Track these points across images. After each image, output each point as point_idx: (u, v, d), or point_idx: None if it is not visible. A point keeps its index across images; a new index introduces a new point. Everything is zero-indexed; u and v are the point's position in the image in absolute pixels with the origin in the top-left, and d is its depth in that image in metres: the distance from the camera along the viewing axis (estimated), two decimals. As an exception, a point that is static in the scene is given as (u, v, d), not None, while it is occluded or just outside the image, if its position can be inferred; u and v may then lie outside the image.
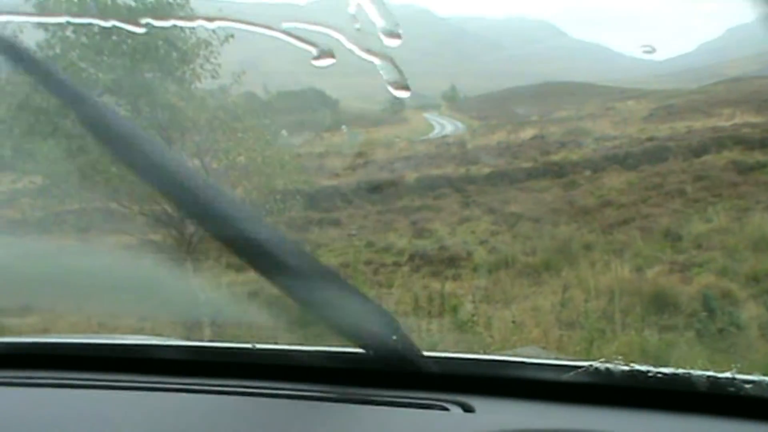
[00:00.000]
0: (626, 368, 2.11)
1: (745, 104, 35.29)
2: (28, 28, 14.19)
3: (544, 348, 9.80)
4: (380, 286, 15.70)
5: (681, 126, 34.62)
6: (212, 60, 15.45)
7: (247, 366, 2.44)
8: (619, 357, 2.20)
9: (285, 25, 1.84)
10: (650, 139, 31.06)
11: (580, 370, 2.14)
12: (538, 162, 29.69)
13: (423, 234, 21.75)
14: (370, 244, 20.61)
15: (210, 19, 2.34)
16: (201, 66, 15.48)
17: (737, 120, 32.65)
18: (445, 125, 63.95)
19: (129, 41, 15.04)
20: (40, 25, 14.50)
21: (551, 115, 49.42)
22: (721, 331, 11.06)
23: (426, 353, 2.40)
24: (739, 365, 2.10)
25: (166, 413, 2.20)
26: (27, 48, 2.18)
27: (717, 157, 25.84)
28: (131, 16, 14.46)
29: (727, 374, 2.05)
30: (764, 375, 2.04)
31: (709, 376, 2.05)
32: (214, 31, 15.33)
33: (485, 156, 32.66)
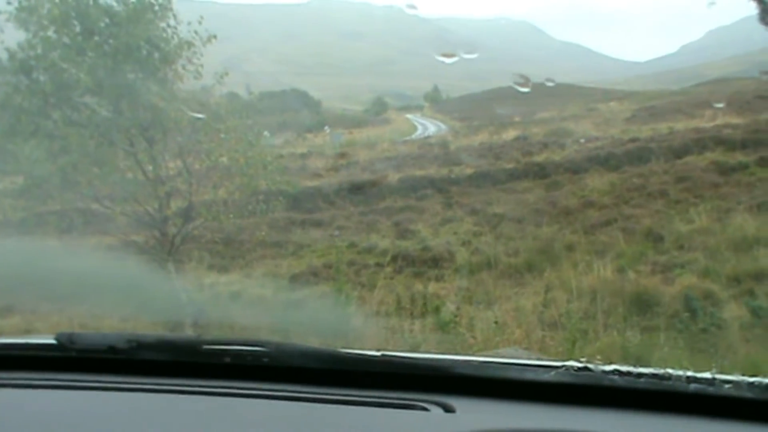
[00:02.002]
0: (607, 368, 2.13)
1: (726, 105, 35.52)
2: (9, 28, 14.16)
3: (526, 349, 9.81)
4: (362, 287, 15.68)
5: (663, 127, 34.89)
6: (195, 61, 15.44)
7: (227, 366, 2.45)
8: (598, 357, 2.21)
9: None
10: (632, 140, 31.24)
11: (560, 370, 2.15)
12: (521, 163, 29.79)
13: (405, 235, 21.77)
14: (352, 245, 20.62)
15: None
16: (183, 67, 15.47)
17: (719, 121, 32.88)
18: (428, 126, 64.27)
19: (111, 42, 15.02)
20: (21, 24, 14.47)
21: (534, 116, 49.64)
22: (702, 331, 11.11)
23: (407, 354, 2.41)
24: (720, 365, 2.12)
25: (148, 414, 2.20)
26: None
27: (699, 158, 25.98)
28: (113, 17, 14.52)
29: (707, 374, 2.06)
30: (744, 375, 2.06)
31: (689, 376, 2.06)
32: (196, 32, 15.34)
33: (468, 157, 32.76)
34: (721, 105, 35.36)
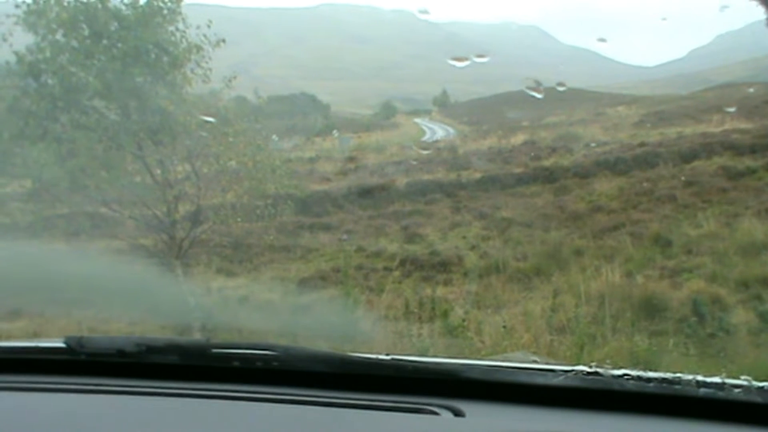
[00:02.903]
0: (616, 372, 2.12)
1: (735, 110, 35.44)
2: (18, 32, 14.19)
3: (534, 353, 9.79)
4: (371, 291, 15.68)
5: (671, 131, 34.80)
6: (203, 64, 15.45)
7: (236, 370, 2.45)
8: (607, 362, 2.21)
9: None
10: (641, 144, 31.16)
11: (569, 374, 2.15)
12: (529, 167, 29.74)
13: (414, 239, 21.74)
14: (361, 249, 20.59)
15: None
16: (192, 70, 15.48)
17: (727, 126, 32.82)
18: (436, 130, 64.19)
19: (119, 45, 15.03)
20: (29, 28, 14.50)
21: (542, 121, 49.57)
22: (710, 336, 11.08)
23: (416, 358, 2.41)
24: (728, 370, 2.12)
25: (157, 417, 2.20)
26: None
27: (707, 163, 25.92)
28: (122, 21, 14.54)
29: (717, 378, 2.06)
30: (753, 379, 2.05)
31: (698, 381, 2.06)
32: (205, 35, 15.35)
33: (476, 161, 32.73)
34: (729, 110, 35.26)
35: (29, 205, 16.10)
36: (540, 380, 2.20)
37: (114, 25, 15.08)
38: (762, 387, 2.02)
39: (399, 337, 10.76)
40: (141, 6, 15.19)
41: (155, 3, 15.21)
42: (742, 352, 10.30)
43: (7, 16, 14.28)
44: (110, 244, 16.54)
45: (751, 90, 42.88)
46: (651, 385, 2.09)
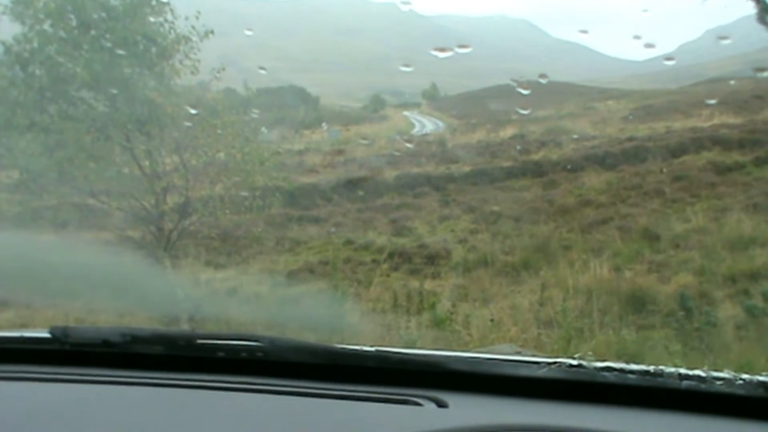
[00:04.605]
0: (600, 365, 2.13)
1: (723, 105, 35.49)
2: (5, 22, 14.14)
3: (521, 346, 9.81)
4: (359, 284, 15.68)
5: (660, 126, 34.79)
6: (192, 56, 15.42)
7: (221, 360, 2.45)
8: (589, 353, 2.22)
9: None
10: (629, 139, 31.17)
11: (553, 366, 2.16)
12: (518, 161, 29.71)
13: (402, 232, 21.73)
14: (349, 242, 20.58)
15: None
16: (180, 62, 15.44)
17: (716, 120, 32.84)
18: (426, 123, 64.04)
19: (107, 36, 14.99)
20: (17, 18, 14.45)
21: (531, 114, 49.57)
22: (697, 330, 11.11)
23: (400, 350, 2.41)
24: (713, 363, 2.13)
25: (142, 407, 2.20)
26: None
27: (696, 158, 25.95)
28: (110, 11, 14.49)
29: (699, 371, 2.06)
30: (736, 372, 2.06)
31: (681, 373, 2.06)
32: (193, 26, 15.31)
33: (465, 154, 32.69)
34: (710, 101, 35.30)
35: (16, 195, 16.06)
36: (524, 372, 2.21)
37: (102, 16, 15.03)
38: (744, 379, 2.03)
39: (387, 329, 10.77)
40: (129, -3, 15.16)
41: (143, -7, 15.18)
42: (728, 346, 10.35)
43: (-6, 6, 14.26)
44: (98, 235, 16.51)
45: (733, 82, 42.91)
46: (634, 377, 2.09)
